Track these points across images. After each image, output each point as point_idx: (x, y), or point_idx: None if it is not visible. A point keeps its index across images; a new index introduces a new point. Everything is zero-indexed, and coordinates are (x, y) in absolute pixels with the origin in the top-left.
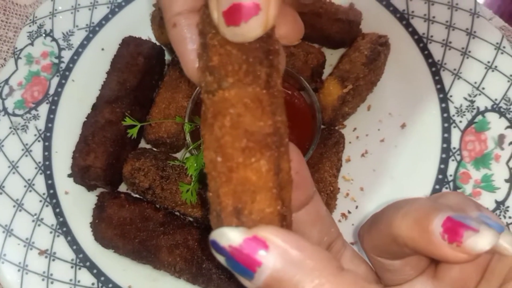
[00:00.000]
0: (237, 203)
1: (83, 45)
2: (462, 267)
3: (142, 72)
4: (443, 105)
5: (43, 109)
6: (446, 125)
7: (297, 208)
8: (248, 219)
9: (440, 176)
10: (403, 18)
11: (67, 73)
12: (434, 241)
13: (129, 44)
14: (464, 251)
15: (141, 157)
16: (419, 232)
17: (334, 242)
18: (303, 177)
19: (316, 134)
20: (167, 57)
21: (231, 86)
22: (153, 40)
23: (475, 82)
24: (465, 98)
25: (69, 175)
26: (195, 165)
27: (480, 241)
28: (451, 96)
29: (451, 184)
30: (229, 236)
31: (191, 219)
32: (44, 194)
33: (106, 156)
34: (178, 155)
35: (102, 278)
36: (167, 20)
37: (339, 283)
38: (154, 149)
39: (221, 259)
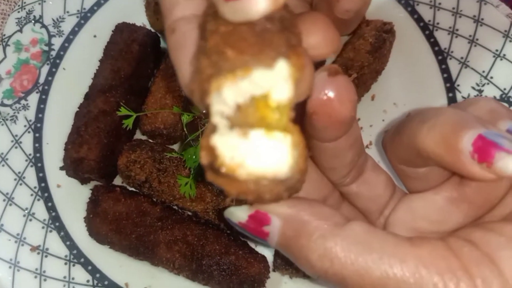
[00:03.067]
0: None
1: (74, 32)
2: None
3: (137, 60)
4: (450, 94)
5: (33, 98)
6: None
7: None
8: None
9: None
10: (408, 5)
11: (57, 61)
12: (462, 159)
13: (123, 30)
14: (494, 172)
15: (137, 148)
16: (447, 149)
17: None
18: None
19: None
20: (163, 44)
21: (231, 66)
22: (148, 26)
23: (483, 71)
24: (473, 88)
25: (62, 168)
26: (194, 157)
27: None
28: (458, 85)
29: None
30: (237, 215)
31: (190, 213)
32: (35, 187)
33: (100, 148)
34: (175, 147)
35: (98, 275)
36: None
37: (338, 241)
38: (150, 141)
39: (238, 229)
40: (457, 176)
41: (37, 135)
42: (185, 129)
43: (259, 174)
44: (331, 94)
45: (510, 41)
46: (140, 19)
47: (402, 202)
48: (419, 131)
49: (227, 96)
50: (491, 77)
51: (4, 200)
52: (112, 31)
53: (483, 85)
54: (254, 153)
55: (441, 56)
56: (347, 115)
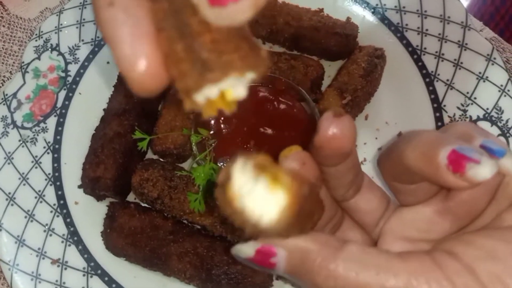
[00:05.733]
0: None
1: (88, 59)
2: (472, 189)
3: None
4: (437, 114)
5: (51, 121)
6: None
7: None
8: None
9: None
10: (398, 31)
11: (74, 86)
12: (440, 171)
13: None
14: (466, 180)
15: (149, 167)
16: (427, 163)
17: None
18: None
19: None
20: None
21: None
22: None
23: (467, 92)
24: (458, 108)
25: (80, 186)
26: (202, 175)
27: (481, 171)
28: (444, 105)
29: None
30: (244, 251)
31: (199, 227)
32: (54, 204)
33: (115, 168)
34: (184, 165)
35: (114, 285)
36: None
37: (339, 262)
38: (161, 160)
39: (246, 262)
40: (443, 192)
41: (55, 155)
42: (194, 149)
43: (248, 212)
44: (335, 131)
45: (492, 64)
46: None
47: (395, 214)
48: (405, 150)
49: (207, 93)
50: (475, 98)
51: (25, 217)
52: None
53: (468, 105)
54: (254, 195)
55: (429, 78)
56: (349, 148)
